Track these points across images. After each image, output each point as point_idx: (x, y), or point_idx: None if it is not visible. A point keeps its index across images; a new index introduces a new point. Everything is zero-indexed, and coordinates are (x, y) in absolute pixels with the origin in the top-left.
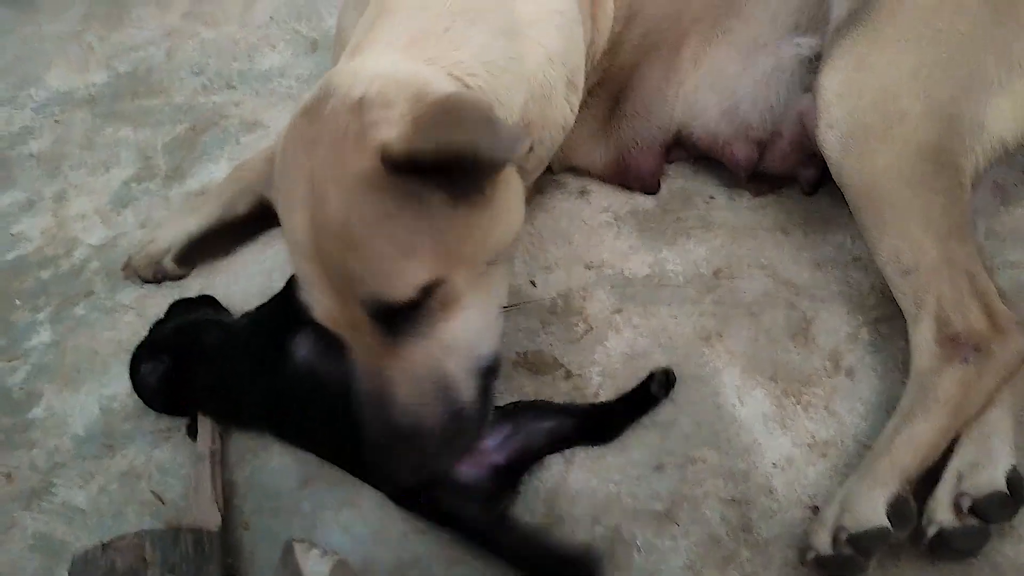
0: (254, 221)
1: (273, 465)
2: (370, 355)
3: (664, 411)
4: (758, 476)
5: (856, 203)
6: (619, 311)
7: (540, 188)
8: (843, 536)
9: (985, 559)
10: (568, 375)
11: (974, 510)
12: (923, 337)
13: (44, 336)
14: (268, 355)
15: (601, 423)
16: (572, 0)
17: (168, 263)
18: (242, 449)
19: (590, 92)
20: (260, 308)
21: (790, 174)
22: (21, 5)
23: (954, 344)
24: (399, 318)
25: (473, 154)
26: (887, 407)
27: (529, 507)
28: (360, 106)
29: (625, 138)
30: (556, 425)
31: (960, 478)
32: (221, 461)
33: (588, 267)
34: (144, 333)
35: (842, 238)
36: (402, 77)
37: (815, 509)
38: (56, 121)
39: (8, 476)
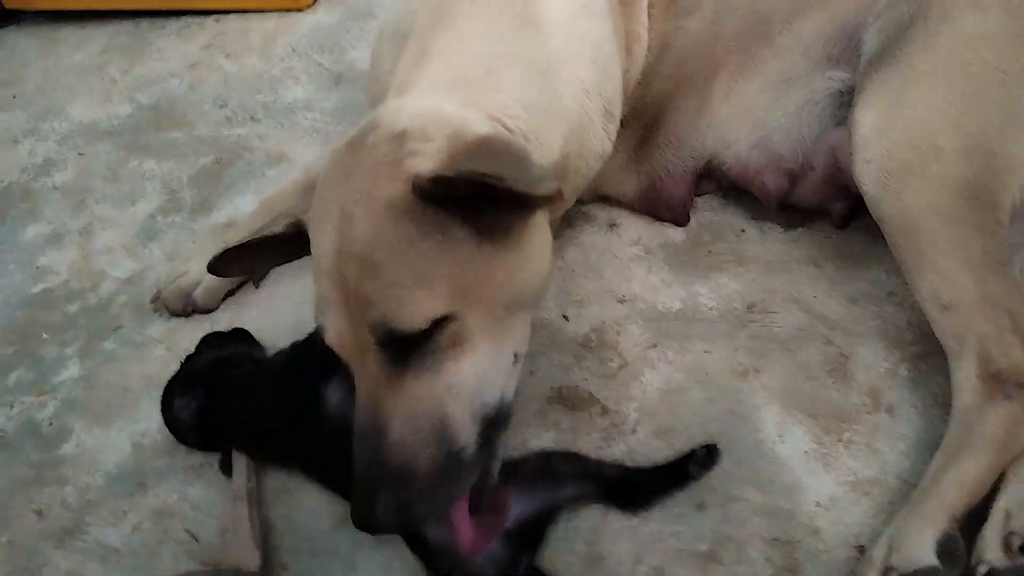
0: (287, 245)
1: (309, 504)
2: (373, 384)
3: None
4: (802, 516)
5: (894, 239)
6: (654, 346)
7: (569, 221)
8: None
9: None
10: (604, 411)
11: None
12: (965, 374)
13: (73, 371)
14: (302, 397)
15: (629, 493)
16: (609, 33)
17: (199, 295)
18: (277, 488)
19: (622, 122)
20: (295, 346)
21: (821, 207)
22: (43, 37)
23: (997, 381)
24: (406, 349)
25: (499, 181)
26: (929, 444)
27: (570, 545)
28: (400, 137)
29: (657, 167)
30: (577, 492)
31: (1008, 516)
32: (257, 499)
33: (620, 301)
34: (174, 368)
35: (876, 273)
36: (443, 116)
37: (861, 549)
38: (80, 153)
39: (39, 513)
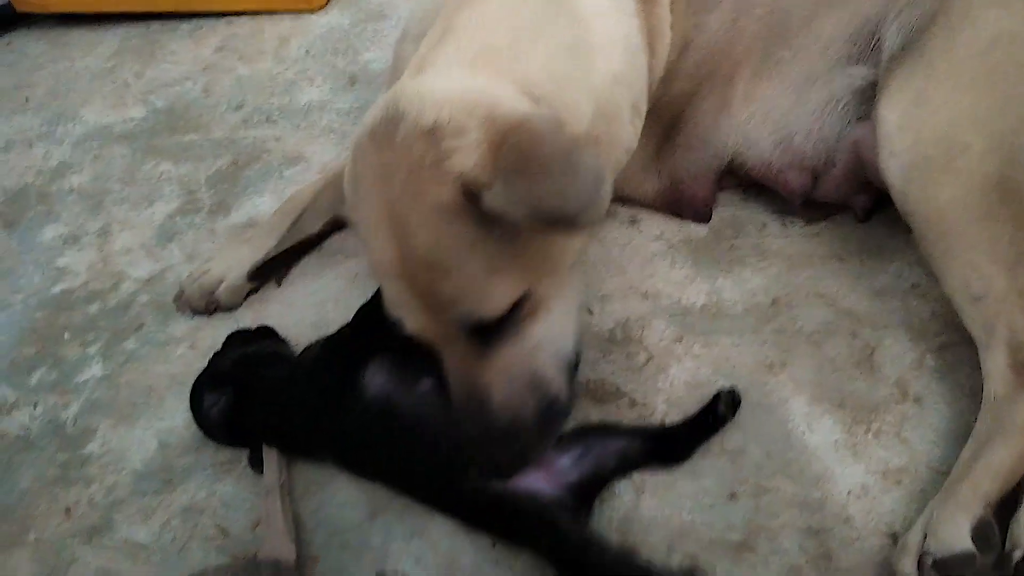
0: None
1: (340, 498)
2: (463, 363)
3: (733, 439)
4: (834, 505)
5: (921, 232)
6: (679, 340)
7: None
8: (928, 561)
9: None
10: (632, 404)
11: None
12: (996, 364)
13: (96, 370)
14: (338, 387)
15: (670, 444)
16: (636, 27)
17: (222, 294)
18: (307, 482)
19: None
20: (329, 339)
21: (843, 202)
22: (53, 40)
23: None
24: (491, 329)
25: (569, 224)
26: (958, 433)
27: (603, 535)
28: (433, 134)
29: (678, 167)
30: (625, 446)
31: None
32: (290, 493)
33: (644, 297)
34: (198, 366)
35: (899, 266)
36: (470, 98)
37: (894, 537)
38: (95, 156)
39: (67, 511)
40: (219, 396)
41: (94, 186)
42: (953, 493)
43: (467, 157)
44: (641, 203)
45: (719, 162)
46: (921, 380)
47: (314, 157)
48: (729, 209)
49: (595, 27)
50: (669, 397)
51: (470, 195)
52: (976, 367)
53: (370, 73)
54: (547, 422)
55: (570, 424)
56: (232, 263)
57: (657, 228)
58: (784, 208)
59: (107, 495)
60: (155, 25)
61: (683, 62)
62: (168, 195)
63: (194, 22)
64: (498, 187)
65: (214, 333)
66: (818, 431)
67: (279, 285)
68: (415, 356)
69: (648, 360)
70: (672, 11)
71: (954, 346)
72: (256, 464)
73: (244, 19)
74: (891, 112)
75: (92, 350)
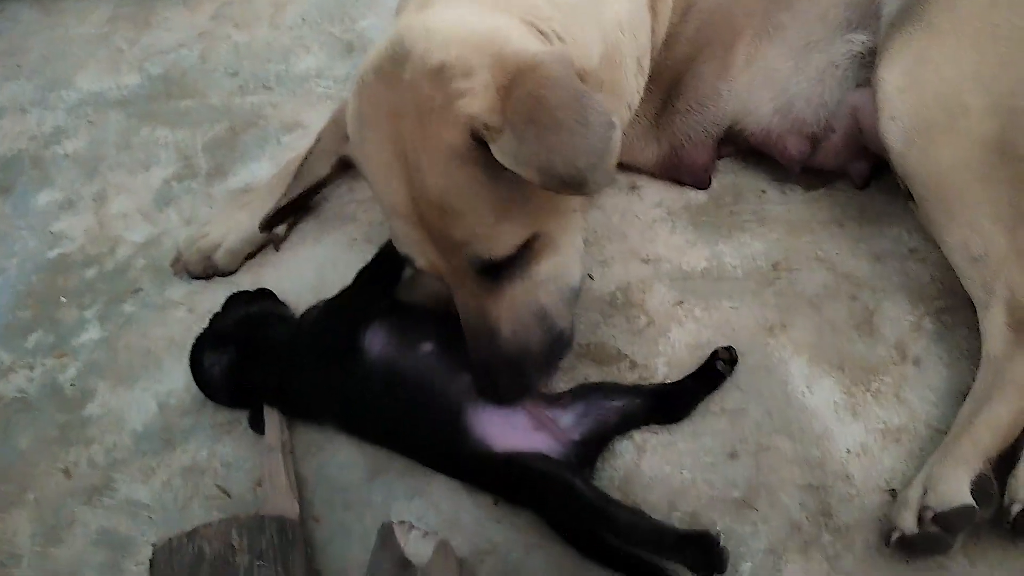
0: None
1: (340, 458)
2: (473, 297)
3: (733, 399)
4: (833, 463)
5: (921, 194)
6: (680, 303)
7: None
8: (928, 515)
9: None
10: (633, 365)
11: None
12: (994, 323)
13: (93, 333)
14: (339, 349)
15: (670, 402)
16: None
17: (220, 257)
18: (308, 442)
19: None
20: (330, 301)
21: (841, 168)
22: (46, 6)
23: None
24: (500, 267)
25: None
26: (956, 393)
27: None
28: (441, 75)
29: (678, 133)
30: (626, 404)
31: None
32: (292, 452)
33: (645, 261)
34: (197, 329)
35: (898, 231)
36: (478, 37)
37: (893, 493)
38: (90, 122)
39: (66, 472)
40: (220, 356)
41: (89, 151)
42: (952, 449)
43: (476, 100)
44: (641, 169)
45: (719, 128)
46: (919, 342)
47: (311, 124)
48: (728, 176)
49: None
50: (670, 359)
51: (479, 141)
52: (973, 330)
53: (367, 40)
54: (552, 352)
55: (571, 385)
56: (230, 227)
57: (657, 195)
58: (783, 175)
59: (107, 455)
60: None
61: (684, 26)
62: (164, 160)
63: None
64: (508, 138)
65: (212, 297)
66: (818, 392)
67: (277, 250)
68: (415, 319)
69: (649, 323)
70: None
71: (952, 309)
72: (256, 425)
73: None
74: (891, 74)
75: (89, 313)
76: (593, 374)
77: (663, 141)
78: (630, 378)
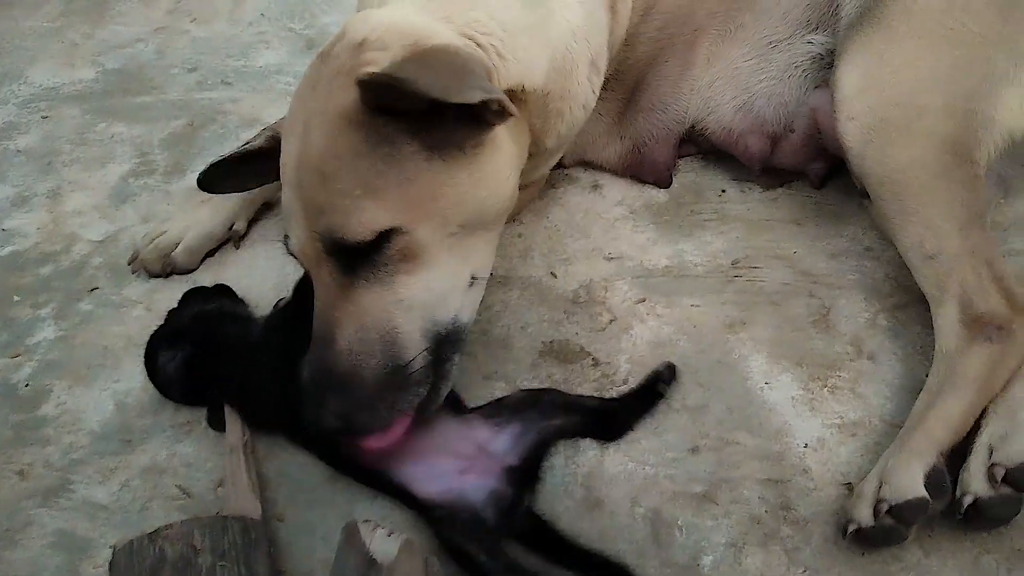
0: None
1: (302, 458)
2: (327, 293)
3: (694, 395)
4: (792, 457)
5: (877, 192)
6: (642, 301)
7: (552, 183)
8: (884, 508)
9: (1015, 526)
10: (596, 363)
11: (1007, 480)
12: (948, 319)
13: (48, 332)
14: (284, 362)
15: (608, 420)
16: None
17: (179, 255)
18: (270, 442)
19: (605, 85)
20: (283, 310)
21: (800, 168)
22: None
23: (978, 325)
24: (356, 260)
25: (410, 84)
26: (910, 388)
27: (568, 491)
28: (360, 47)
29: (640, 131)
30: (563, 422)
31: (991, 450)
32: (253, 452)
33: (608, 259)
34: (154, 328)
35: (854, 230)
36: (407, 27)
37: (849, 486)
38: (44, 117)
39: (21, 473)
40: (176, 352)
41: (43, 147)
42: (907, 443)
43: (377, 69)
44: (604, 167)
45: (680, 126)
46: (875, 338)
47: (271, 120)
48: (689, 176)
49: None
50: (632, 356)
51: (367, 102)
52: (926, 326)
53: (328, 37)
54: (389, 389)
55: (534, 385)
56: (189, 224)
57: (619, 193)
58: (742, 175)
59: (63, 456)
60: None
61: (646, 25)
62: (121, 156)
63: None
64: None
65: (171, 295)
66: (777, 387)
67: (237, 247)
68: None
69: (611, 320)
70: None
71: (906, 306)
72: (215, 423)
73: None
74: (849, 75)
75: (44, 312)
76: (556, 372)
77: (626, 139)
78: (592, 375)
